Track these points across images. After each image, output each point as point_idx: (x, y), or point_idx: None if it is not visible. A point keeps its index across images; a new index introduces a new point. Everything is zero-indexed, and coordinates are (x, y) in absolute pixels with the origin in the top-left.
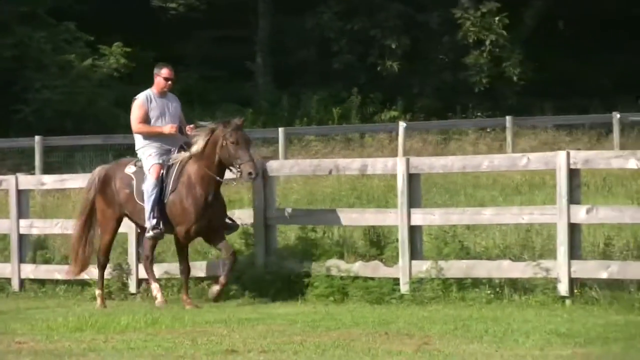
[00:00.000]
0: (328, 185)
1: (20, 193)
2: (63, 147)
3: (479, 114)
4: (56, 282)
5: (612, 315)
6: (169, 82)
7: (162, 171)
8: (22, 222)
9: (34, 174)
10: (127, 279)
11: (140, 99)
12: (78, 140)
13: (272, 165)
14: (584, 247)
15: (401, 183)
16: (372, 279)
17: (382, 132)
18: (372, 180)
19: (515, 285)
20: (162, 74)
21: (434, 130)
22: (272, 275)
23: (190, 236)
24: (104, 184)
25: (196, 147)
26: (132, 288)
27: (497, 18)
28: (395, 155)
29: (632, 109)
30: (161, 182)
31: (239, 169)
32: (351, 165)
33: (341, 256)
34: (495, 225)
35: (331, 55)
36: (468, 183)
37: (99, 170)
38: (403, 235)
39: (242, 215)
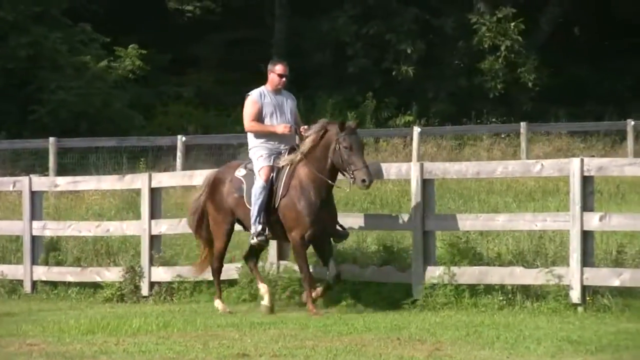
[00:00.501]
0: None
1: (33, 194)
2: (77, 148)
3: (493, 119)
4: (68, 284)
5: (623, 322)
6: (284, 79)
7: (272, 174)
8: (35, 223)
9: (47, 175)
10: (139, 282)
11: (253, 95)
12: (92, 142)
13: None
14: (596, 255)
15: (415, 188)
16: (385, 284)
17: (396, 136)
18: (385, 185)
19: (528, 292)
20: (276, 70)
21: (449, 135)
22: (285, 279)
23: (305, 242)
24: (214, 189)
25: (307, 145)
26: (145, 291)
27: (512, 23)
28: (410, 160)
29: None
30: (270, 186)
31: (352, 176)
32: None
33: (354, 261)
34: (509, 232)
35: (346, 59)
36: (482, 189)
37: (209, 174)
38: (417, 241)
39: None
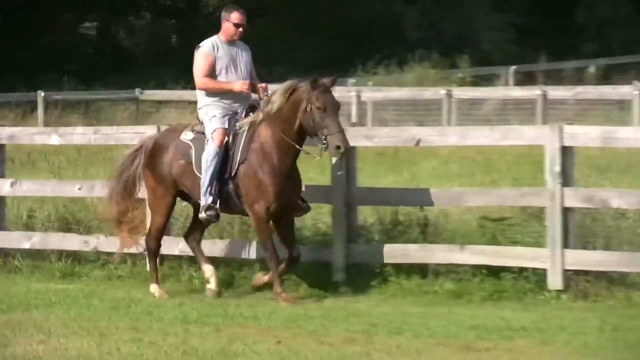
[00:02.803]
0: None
1: None
2: None
3: None
4: None
5: (33, 283)
6: (240, 30)
7: (226, 138)
8: None
9: None
10: None
11: (205, 47)
12: None
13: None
14: (8, 219)
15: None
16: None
17: None
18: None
19: None
20: (232, 18)
21: None
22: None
23: (269, 215)
24: (153, 156)
25: (272, 106)
26: None
27: None
28: None
29: (56, 88)
30: (225, 151)
31: (324, 141)
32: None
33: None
34: None
35: None
36: None
37: (146, 139)
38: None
39: None
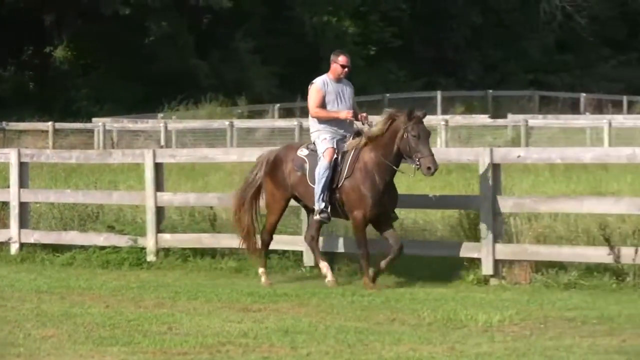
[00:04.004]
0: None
1: None
2: None
3: None
4: None
5: None
6: (346, 69)
7: (335, 155)
8: None
9: None
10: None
11: (317, 83)
12: None
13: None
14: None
15: None
16: None
17: None
18: None
19: None
20: (339, 61)
21: None
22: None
23: (366, 221)
24: (274, 167)
25: (375, 132)
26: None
27: None
28: None
29: None
30: (334, 167)
31: (417, 163)
32: None
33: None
34: None
35: None
36: None
37: (267, 153)
38: None
39: None
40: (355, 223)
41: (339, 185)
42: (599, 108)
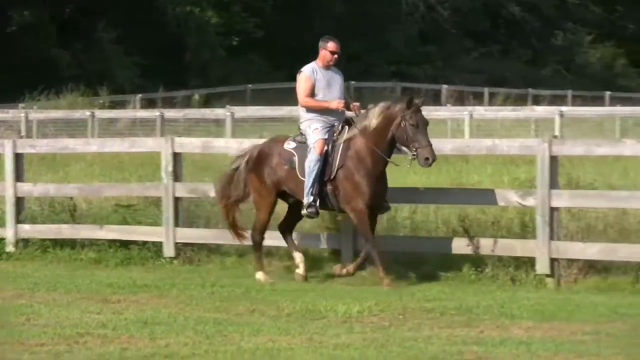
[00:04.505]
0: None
1: None
2: None
3: None
4: None
5: None
6: (335, 56)
7: (326, 147)
8: None
9: None
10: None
11: (305, 71)
12: None
13: None
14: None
15: None
16: None
17: None
18: None
19: None
20: (328, 47)
21: None
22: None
23: (367, 211)
24: (259, 162)
25: (369, 123)
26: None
27: None
28: None
29: None
30: (324, 159)
31: (414, 153)
32: None
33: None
34: None
35: None
36: None
37: (250, 148)
38: None
39: None
40: (356, 214)
41: (332, 177)
42: (460, 100)
